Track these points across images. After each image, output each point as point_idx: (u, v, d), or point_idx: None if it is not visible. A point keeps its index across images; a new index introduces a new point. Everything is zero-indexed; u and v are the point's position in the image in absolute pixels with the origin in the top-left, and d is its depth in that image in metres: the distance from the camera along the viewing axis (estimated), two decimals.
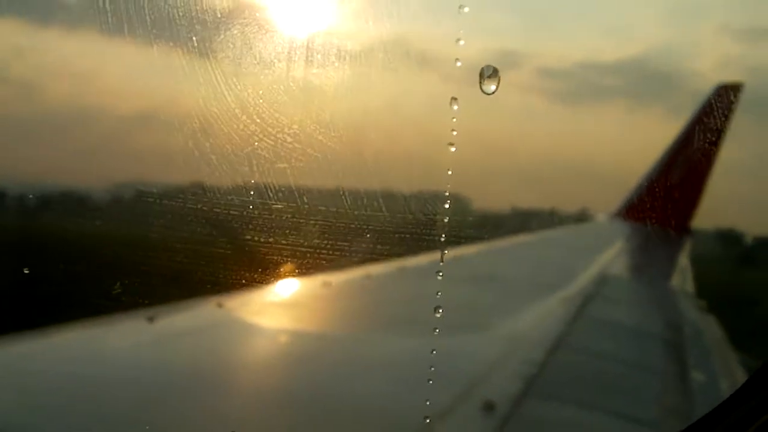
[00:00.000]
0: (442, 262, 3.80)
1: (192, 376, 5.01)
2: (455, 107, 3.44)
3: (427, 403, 4.05)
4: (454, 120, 3.46)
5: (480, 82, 3.45)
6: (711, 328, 9.13)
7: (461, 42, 3.30)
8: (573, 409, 5.45)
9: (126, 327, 5.86)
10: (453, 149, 3.47)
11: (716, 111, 10.21)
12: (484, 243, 11.08)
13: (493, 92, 3.46)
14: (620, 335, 8.10)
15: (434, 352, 3.96)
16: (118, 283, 4.94)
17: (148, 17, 3.96)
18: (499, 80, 3.44)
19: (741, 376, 6.88)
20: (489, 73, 3.42)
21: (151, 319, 5.88)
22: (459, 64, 3.33)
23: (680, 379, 6.63)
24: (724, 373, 7.25)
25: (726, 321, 9.43)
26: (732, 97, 11.03)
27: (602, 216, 16.24)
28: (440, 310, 3.94)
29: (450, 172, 3.53)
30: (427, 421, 4.07)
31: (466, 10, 3.24)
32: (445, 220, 3.74)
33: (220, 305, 6.55)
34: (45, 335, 5.48)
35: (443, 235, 3.75)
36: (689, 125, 12.16)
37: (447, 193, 3.67)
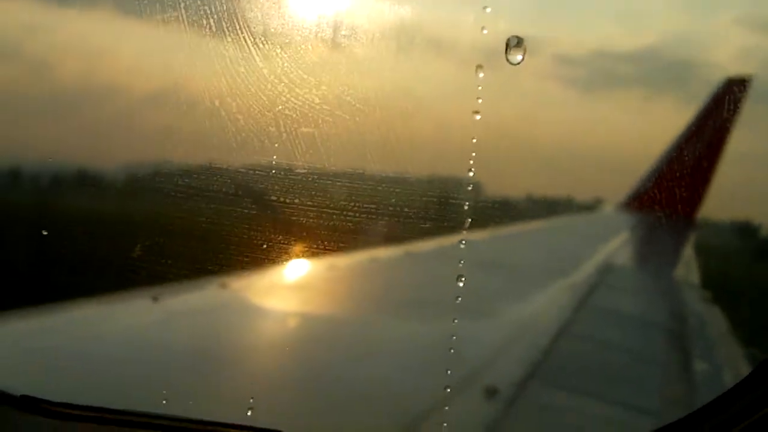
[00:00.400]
0: (463, 244, 3.79)
1: (194, 355, 5.02)
2: (481, 75, 3.44)
3: (447, 390, 4.07)
4: (480, 88, 3.46)
5: (506, 52, 3.46)
6: (715, 320, 9.11)
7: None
8: (575, 397, 5.46)
9: (130, 306, 5.87)
10: (478, 117, 3.47)
11: (724, 104, 10.16)
12: (490, 229, 11.06)
13: (520, 62, 3.48)
14: (624, 324, 8.10)
15: (453, 337, 3.97)
16: (127, 262, 4.94)
17: None
18: (525, 50, 3.46)
19: (744, 368, 6.87)
20: (515, 43, 3.43)
21: (155, 299, 5.89)
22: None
23: (683, 369, 6.63)
24: (727, 364, 7.24)
25: (733, 313, 9.41)
26: (740, 91, 10.99)
27: (609, 206, 16.19)
28: (459, 298, 3.95)
29: (473, 155, 3.54)
30: (448, 390, 4.08)
31: None
32: (462, 206, 3.73)
33: (224, 285, 6.55)
34: (49, 312, 5.49)
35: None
36: (697, 118, 12.11)
37: (470, 176, 3.67)
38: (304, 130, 4.07)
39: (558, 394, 5.46)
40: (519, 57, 3.41)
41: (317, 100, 4.05)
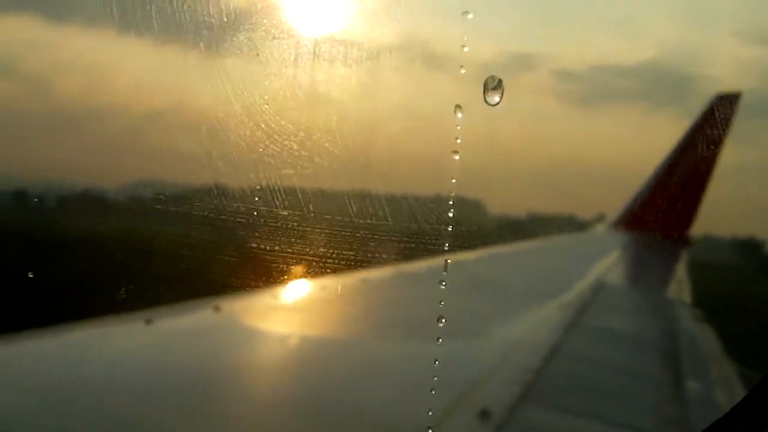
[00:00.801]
0: (446, 271, 3.81)
1: (186, 378, 5.02)
2: (459, 115, 3.46)
3: (429, 413, 4.06)
4: (459, 128, 3.48)
5: (484, 93, 3.47)
6: (707, 338, 9.13)
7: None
8: (568, 417, 5.46)
9: (123, 329, 5.86)
10: (457, 157, 3.48)
11: (715, 120, 10.22)
12: (484, 249, 11.10)
13: (497, 103, 3.49)
14: (616, 343, 8.11)
15: (437, 362, 3.97)
16: (120, 284, 4.94)
17: (161, 17, 3.99)
18: (503, 91, 3.46)
19: (736, 386, 6.89)
20: (493, 84, 3.44)
21: (148, 321, 5.88)
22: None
23: (675, 388, 6.64)
24: (720, 382, 7.26)
25: (726, 331, 9.42)
26: (731, 106, 11.05)
27: (601, 224, 16.27)
28: (443, 320, 3.95)
29: (454, 180, 3.55)
30: (429, 430, 4.08)
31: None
32: (449, 228, 3.75)
33: (217, 308, 6.54)
34: (41, 336, 5.47)
35: (446, 242, 3.76)
36: (687, 134, 12.19)
37: (451, 201, 3.68)
38: (297, 156, 4.10)
39: (551, 414, 5.46)
40: (496, 98, 3.44)
41: (316, 124, 4.09)
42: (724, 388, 6.97)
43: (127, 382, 4.80)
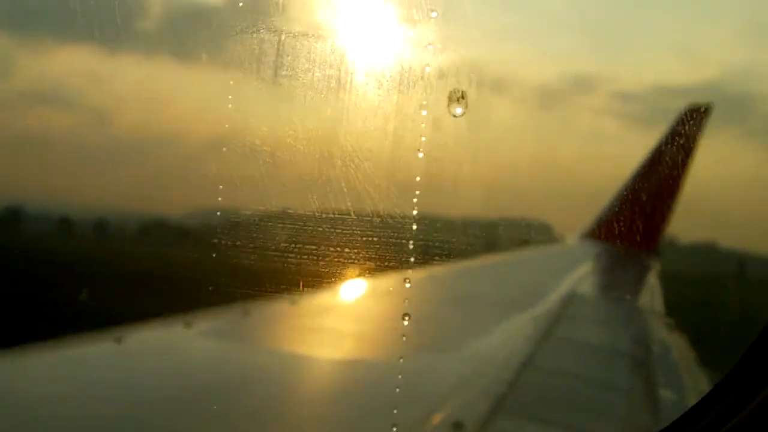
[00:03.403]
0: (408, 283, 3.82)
1: (156, 396, 4.99)
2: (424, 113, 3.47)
3: (394, 429, 4.06)
4: (423, 138, 3.49)
5: (448, 105, 3.50)
6: (679, 347, 9.20)
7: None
8: (540, 428, 5.47)
9: (94, 347, 5.82)
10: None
11: (685, 131, 10.34)
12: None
13: (461, 114, 3.52)
14: (587, 354, 8.15)
15: (400, 376, 3.98)
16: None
17: (219, 45, 4.05)
18: (466, 103, 3.49)
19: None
20: (457, 96, 3.48)
21: (118, 340, 5.85)
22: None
23: (647, 397, 6.68)
24: (692, 390, 7.30)
25: (696, 338, 9.50)
26: (701, 118, 11.17)
27: (572, 237, 16.35)
28: (404, 338, 3.96)
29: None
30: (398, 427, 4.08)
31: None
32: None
33: (187, 324, 6.51)
34: (16, 355, 5.42)
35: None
36: (657, 146, 12.28)
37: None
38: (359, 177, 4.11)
39: (525, 425, 5.47)
40: (459, 110, 3.47)
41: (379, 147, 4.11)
42: (697, 396, 7.01)
43: (98, 401, 4.77)
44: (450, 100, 3.48)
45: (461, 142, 4.24)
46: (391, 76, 4.14)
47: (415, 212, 4.09)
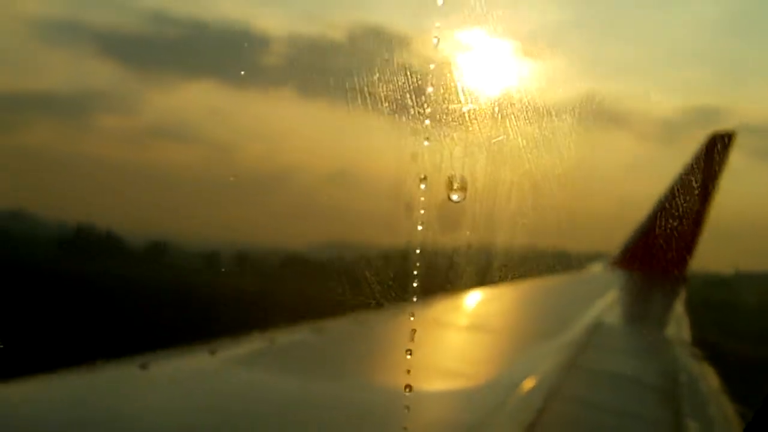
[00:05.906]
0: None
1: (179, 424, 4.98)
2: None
3: None
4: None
5: (448, 191, 3.60)
6: (706, 377, 9.08)
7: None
8: None
9: (117, 373, 5.83)
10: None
11: (710, 159, 10.28)
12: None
13: (459, 201, 3.61)
14: (613, 384, 8.06)
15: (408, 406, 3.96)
16: None
17: (339, 78, 4.09)
18: (466, 191, 3.57)
19: (736, 426, 6.84)
20: (456, 185, 3.58)
21: (143, 366, 5.84)
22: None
23: (674, 429, 6.60)
24: (719, 422, 7.21)
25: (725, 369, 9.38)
26: (725, 145, 11.12)
27: (597, 265, 16.26)
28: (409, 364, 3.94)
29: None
30: None
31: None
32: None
33: (212, 353, 6.50)
34: (40, 381, 5.43)
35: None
36: (682, 173, 12.22)
37: None
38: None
39: None
40: (456, 197, 3.57)
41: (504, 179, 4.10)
42: (724, 428, 6.92)
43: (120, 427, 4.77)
44: (450, 187, 3.58)
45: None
46: (514, 109, 4.16)
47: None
